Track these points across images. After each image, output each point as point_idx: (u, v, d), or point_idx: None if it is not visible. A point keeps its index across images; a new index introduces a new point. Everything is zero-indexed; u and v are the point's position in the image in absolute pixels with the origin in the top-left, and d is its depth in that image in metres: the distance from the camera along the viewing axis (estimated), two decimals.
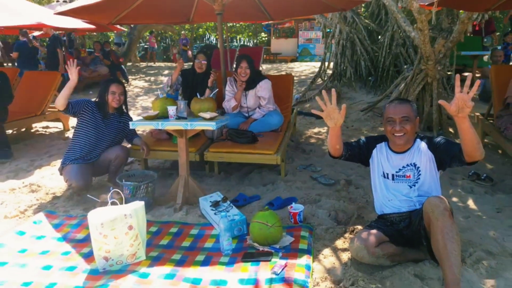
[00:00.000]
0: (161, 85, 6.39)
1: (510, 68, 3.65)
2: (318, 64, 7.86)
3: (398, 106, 2.19)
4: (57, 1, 9.77)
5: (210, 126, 2.78)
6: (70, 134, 5.56)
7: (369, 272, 2.07)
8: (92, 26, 5.20)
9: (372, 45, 6.80)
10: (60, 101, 3.03)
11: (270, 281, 1.97)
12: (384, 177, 2.29)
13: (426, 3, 3.89)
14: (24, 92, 5.43)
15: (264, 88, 3.72)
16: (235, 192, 3.21)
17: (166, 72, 12.54)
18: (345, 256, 2.23)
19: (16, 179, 3.69)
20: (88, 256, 2.28)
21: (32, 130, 5.80)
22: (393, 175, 2.26)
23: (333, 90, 2.15)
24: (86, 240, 2.48)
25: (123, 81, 10.45)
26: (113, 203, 2.22)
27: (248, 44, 29.56)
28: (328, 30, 7.59)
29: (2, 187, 3.44)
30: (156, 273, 2.10)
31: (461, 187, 3.21)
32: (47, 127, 6.02)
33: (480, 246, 2.27)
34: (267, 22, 17.86)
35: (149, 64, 15.69)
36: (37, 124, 5.90)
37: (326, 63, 7.52)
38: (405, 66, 5.88)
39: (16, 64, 8.22)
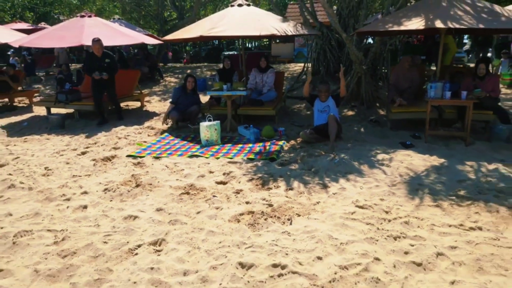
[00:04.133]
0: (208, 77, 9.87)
1: (397, 66, 6.98)
2: (308, 65, 11.25)
3: (324, 85, 5.62)
4: (113, 19, 13.17)
5: (243, 93, 6.23)
6: (146, 108, 8.95)
7: (306, 144, 5.47)
8: (160, 42, 8.59)
9: (339, 52, 10.16)
10: None
11: (270, 145, 5.40)
12: (317, 111, 5.70)
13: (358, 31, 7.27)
14: (119, 81, 8.81)
15: (272, 72, 7.20)
16: None
17: (188, 71, 15.91)
18: (298, 140, 5.65)
19: (137, 125, 7.08)
20: (197, 143, 5.69)
21: (121, 106, 9.17)
22: (320, 110, 5.67)
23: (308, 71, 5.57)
24: (191, 141, 5.89)
25: (159, 78, 13.86)
26: (209, 120, 5.63)
27: (248, 45, 33.09)
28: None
29: (135, 127, 6.84)
30: (225, 146, 5.52)
31: (361, 125, 6.62)
32: (127, 105, 9.41)
33: (354, 139, 5.69)
34: None
35: (173, 65, 19.08)
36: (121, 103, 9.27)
37: (308, 64, 10.94)
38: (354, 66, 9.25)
39: None
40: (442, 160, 4.56)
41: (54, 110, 8.28)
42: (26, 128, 7.16)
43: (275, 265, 2.53)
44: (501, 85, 9.85)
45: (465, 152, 4.90)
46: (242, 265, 2.55)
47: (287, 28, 6.57)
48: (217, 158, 4.94)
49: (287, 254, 2.67)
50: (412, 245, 2.73)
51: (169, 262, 2.63)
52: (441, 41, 6.14)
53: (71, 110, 7.92)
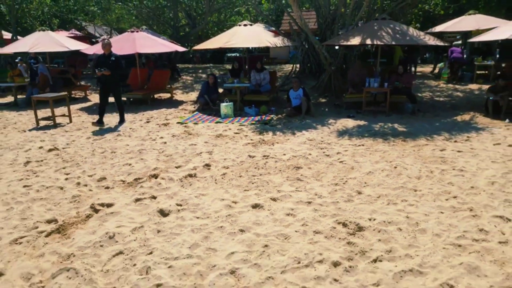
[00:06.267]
0: (218, 75, 13.11)
1: (353, 67, 10.11)
2: (297, 65, 14.45)
3: (295, 78, 8.85)
4: (142, 29, 16.34)
5: (247, 85, 9.42)
6: (175, 98, 12.13)
7: (288, 117, 8.66)
8: (185, 49, 11.80)
9: (319, 56, 13.32)
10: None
11: (265, 116, 8.61)
12: (293, 98, 8.90)
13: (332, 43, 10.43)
14: (155, 78, 11.99)
15: (266, 72, 10.34)
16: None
17: (200, 71, 19.10)
18: (283, 115, 8.84)
19: (174, 108, 10.24)
20: (218, 117, 8.88)
21: (155, 97, 12.35)
22: (294, 97, 8.87)
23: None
24: (214, 116, 9.08)
25: (177, 77, 17.03)
26: (226, 101, 8.82)
27: (249, 48, 36.43)
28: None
29: (173, 109, 10.02)
30: (237, 118, 8.71)
31: (327, 107, 9.79)
32: (160, 96, 12.59)
33: (319, 114, 8.86)
34: None
35: (187, 65, 22.27)
36: (155, 94, 12.44)
37: (296, 66, 14.15)
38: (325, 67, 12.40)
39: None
40: (365, 123, 7.75)
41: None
42: (96, 110, 10.33)
43: (264, 156, 5.72)
44: (441, 81, 13.08)
45: (383, 119, 8.09)
46: (250, 156, 5.74)
47: (277, 41, 9.76)
48: (233, 124, 8.12)
49: (269, 153, 5.86)
50: (327, 150, 5.93)
51: (216, 156, 5.82)
52: (378, 52, 9.31)
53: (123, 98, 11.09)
